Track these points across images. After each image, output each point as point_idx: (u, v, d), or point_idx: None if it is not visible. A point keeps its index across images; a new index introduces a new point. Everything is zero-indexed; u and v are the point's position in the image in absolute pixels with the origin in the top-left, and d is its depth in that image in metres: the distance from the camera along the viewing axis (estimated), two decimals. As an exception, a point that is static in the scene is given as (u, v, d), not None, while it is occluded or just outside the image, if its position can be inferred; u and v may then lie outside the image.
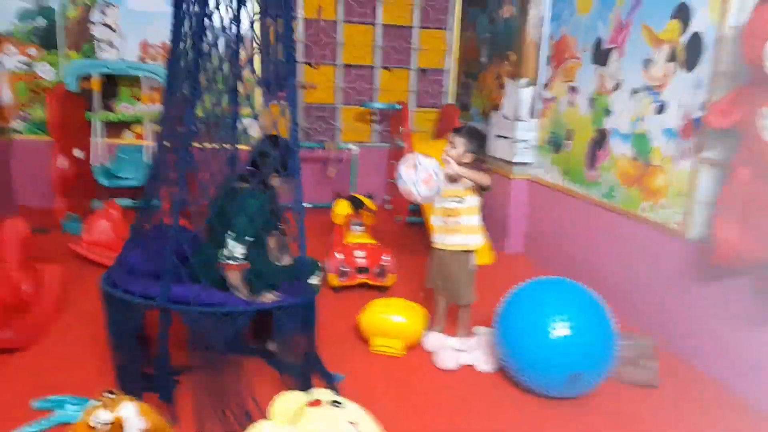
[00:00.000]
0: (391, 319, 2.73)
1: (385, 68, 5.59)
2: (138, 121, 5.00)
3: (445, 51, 5.66)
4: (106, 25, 4.91)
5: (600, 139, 3.58)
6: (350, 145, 4.96)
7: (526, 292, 2.55)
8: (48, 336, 2.75)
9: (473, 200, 2.74)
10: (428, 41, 5.63)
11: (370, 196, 3.95)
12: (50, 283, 3.03)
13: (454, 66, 5.61)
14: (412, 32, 5.58)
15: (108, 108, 4.94)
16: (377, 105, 5.29)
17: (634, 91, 3.25)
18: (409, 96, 5.69)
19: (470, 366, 2.66)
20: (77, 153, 4.47)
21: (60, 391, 2.25)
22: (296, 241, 2.35)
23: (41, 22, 4.78)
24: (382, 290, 3.45)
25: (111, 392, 1.72)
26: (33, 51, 4.83)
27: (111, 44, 4.94)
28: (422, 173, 2.54)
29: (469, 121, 5.31)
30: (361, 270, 3.39)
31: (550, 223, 4.12)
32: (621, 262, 3.34)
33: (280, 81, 2.40)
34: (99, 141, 4.73)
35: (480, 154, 2.74)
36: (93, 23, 4.89)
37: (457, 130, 2.75)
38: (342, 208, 3.76)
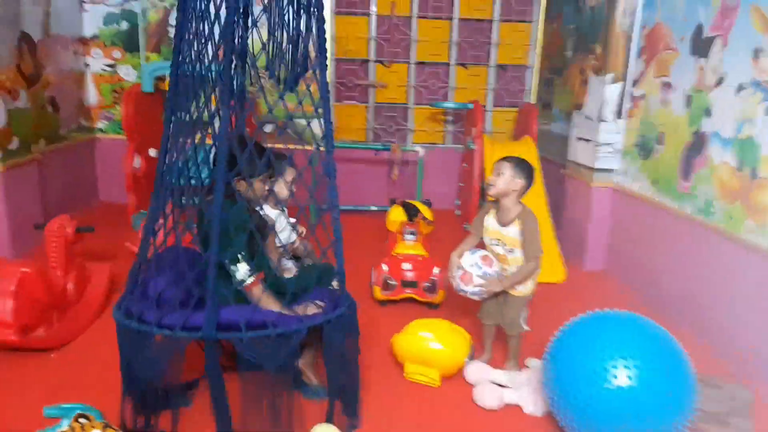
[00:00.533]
0: (428, 345, 2.43)
1: (461, 65, 5.24)
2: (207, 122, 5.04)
3: (528, 45, 5.21)
4: (183, 26, 5.00)
5: (697, 144, 3.03)
6: (416, 147, 4.68)
7: (584, 325, 2.15)
8: (85, 336, 2.76)
9: (521, 254, 2.39)
10: (509, 35, 5.21)
11: (428, 203, 3.67)
12: (97, 282, 3.06)
13: (537, 61, 5.14)
14: (492, 26, 5.18)
15: (182, 108, 5.04)
16: (447, 104, 4.97)
17: (741, 88, 2.70)
18: (486, 95, 5.31)
19: (515, 406, 2.30)
20: (152, 152, 4.57)
21: (79, 396, 2.20)
22: (330, 247, 2.12)
23: (124, 25, 4.96)
24: (431, 307, 3.15)
25: (85, 417, 1.60)
26: (117, 54, 5.02)
27: (187, 45, 5.02)
28: (458, 271, 2.40)
29: (547, 123, 4.84)
30: (408, 284, 3.11)
31: (635, 239, 3.59)
32: (718, 292, 2.80)
33: (298, 75, 2.18)
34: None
35: (528, 185, 2.40)
36: (172, 26, 5.00)
37: (506, 158, 2.43)
38: (396, 215, 3.50)
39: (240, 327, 1.79)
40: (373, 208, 4.81)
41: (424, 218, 3.46)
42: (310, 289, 2.18)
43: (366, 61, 5.18)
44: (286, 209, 2.52)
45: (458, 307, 3.15)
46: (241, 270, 1.95)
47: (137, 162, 4.35)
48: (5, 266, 2.50)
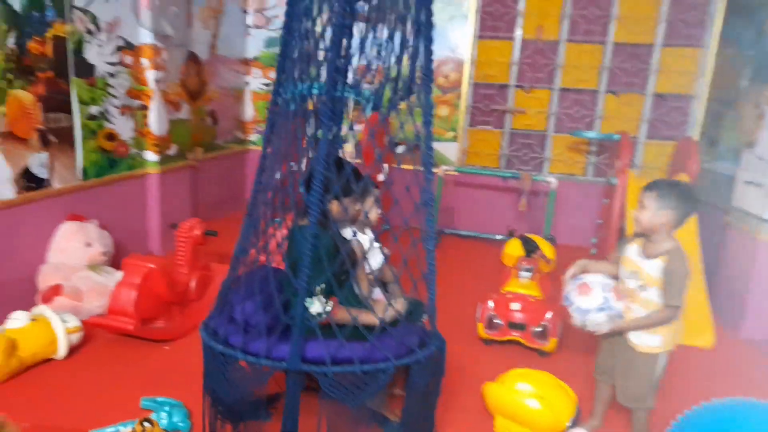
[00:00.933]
0: (525, 401, 2.19)
1: (611, 93, 4.81)
2: (344, 139, 5.22)
3: (695, 73, 4.62)
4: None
5: None
6: (549, 178, 4.36)
7: (724, 413, 1.75)
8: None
9: (656, 295, 1.99)
10: (673, 61, 4.67)
11: (551, 240, 3.37)
12: (220, 282, 3.26)
13: (704, 91, 4.53)
14: (652, 51, 4.69)
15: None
16: (590, 134, 4.57)
17: None
18: (639, 125, 4.80)
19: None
20: (293, 166, 4.83)
21: (177, 389, 2.34)
22: (423, 280, 2.01)
23: (281, 47, 5.36)
24: (540, 355, 2.86)
25: (148, 421, 1.66)
26: (273, 74, 5.43)
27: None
28: (578, 280, 2.08)
29: (710, 161, 4.22)
30: (516, 325, 2.86)
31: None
32: None
33: (401, 97, 2.11)
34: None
35: (681, 215, 1.96)
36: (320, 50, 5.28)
37: (649, 187, 2.01)
38: (513, 248, 3.26)
39: (325, 361, 1.72)
40: (498, 237, 4.57)
41: (544, 256, 3.17)
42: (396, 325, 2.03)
43: (505, 86, 4.99)
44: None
45: (572, 360, 2.83)
46: (315, 307, 1.82)
47: (278, 175, 4.60)
48: (135, 262, 2.76)
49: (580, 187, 4.82)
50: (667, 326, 2.00)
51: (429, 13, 1.94)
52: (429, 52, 2.01)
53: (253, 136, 5.58)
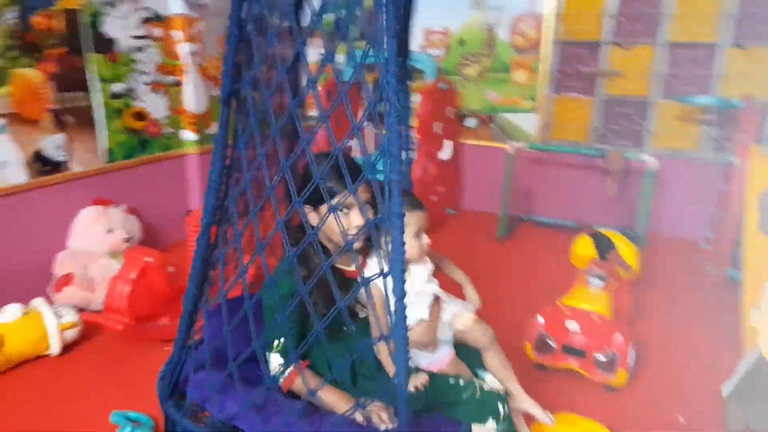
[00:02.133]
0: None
1: (737, 46, 3.80)
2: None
3: None
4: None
5: None
6: (645, 156, 3.52)
7: None
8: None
9: None
10: (827, 1, 3.57)
11: (637, 238, 2.65)
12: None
13: None
14: (798, -11, 3.62)
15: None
16: (702, 100, 3.62)
17: None
18: (775, 87, 3.77)
19: None
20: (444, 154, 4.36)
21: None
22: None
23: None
24: (608, 390, 2.22)
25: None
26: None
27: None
28: None
29: None
30: (572, 350, 2.23)
31: None
32: None
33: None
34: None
35: None
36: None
37: None
38: (583, 248, 2.61)
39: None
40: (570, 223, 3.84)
41: (621, 260, 2.49)
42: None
43: (597, 44, 4.14)
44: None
45: (649, 401, 2.17)
46: (273, 363, 1.39)
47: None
48: (135, 254, 2.51)
49: (692, 167, 3.91)
50: None
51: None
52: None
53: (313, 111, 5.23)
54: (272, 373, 1.38)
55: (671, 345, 2.55)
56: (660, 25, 3.95)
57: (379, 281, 1.14)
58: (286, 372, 1.37)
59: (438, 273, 1.57)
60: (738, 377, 2.02)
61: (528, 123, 4.38)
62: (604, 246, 2.54)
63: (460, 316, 1.55)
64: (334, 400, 1.36)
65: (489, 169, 4.48)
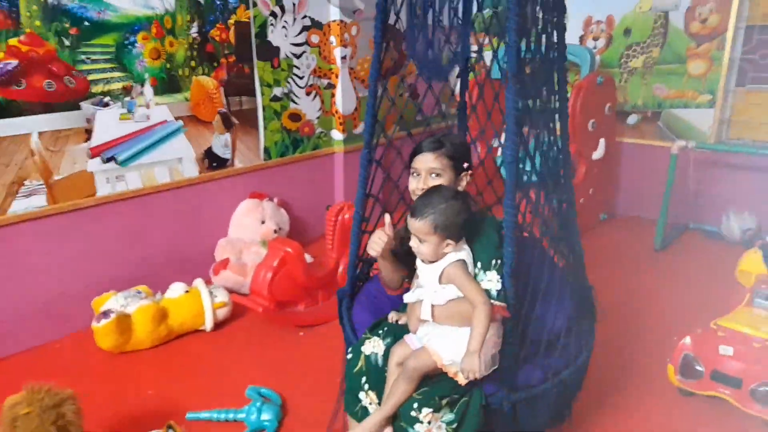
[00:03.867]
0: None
1: None
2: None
3: None
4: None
5: None
6: None
7: None
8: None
9: None
10: None
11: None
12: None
13: None
14: None
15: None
16: None
17: None
18: None
19: None
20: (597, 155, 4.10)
21: (293, 378, 2.28)
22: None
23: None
24: (769, 428, 1.88)
25: (171, 428, 1.53)
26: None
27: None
28: None
29: None
30: (725, 379, 1.92)
31: None
32: None
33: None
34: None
35: None
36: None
37: None
38: (751, 263, 2.24)
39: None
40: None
41: (799, 279, 2.08)
42: None
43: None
44: None
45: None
46: (491, 278, 1.48)
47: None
48: (277, 245, 2.74)
49: None
50: None
51: None
52: None
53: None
54: (490, 288, 1.45)
55: None
56: None
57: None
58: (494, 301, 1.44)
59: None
60: None
61: (702, 120, 3.88)
62: (777, 261, 2.16)
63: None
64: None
65: (649, 170, 4.05)
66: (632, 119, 4.18)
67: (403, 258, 1.64)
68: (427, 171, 1.58)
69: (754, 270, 2.26)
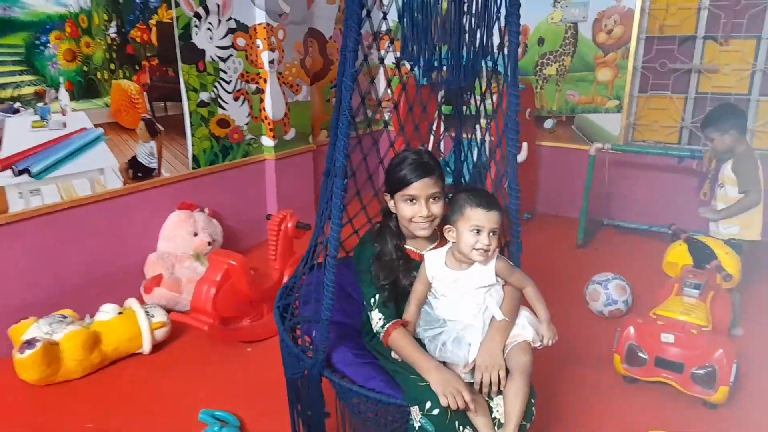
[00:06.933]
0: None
1: None
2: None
3: None
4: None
5: None
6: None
7: None
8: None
9: None
10: None
11: (736, 246, 2.45)
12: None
13: None
14: None
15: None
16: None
17: None
18: None
19: None
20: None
21: (242, 399, 2.13)
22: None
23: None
24: (707, 407, 2.06)
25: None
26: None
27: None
28: None
29: None
30: (667, 363, 2.09)
31: None
32: None
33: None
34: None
35: None
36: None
37: None
38: (676, 255, 2.44)
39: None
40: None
41: (720, 269, 2.30)
42: None
43: (690, 38, 3.89)
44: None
45: (752, 419, 2.00)
46: (374, 320, 1.49)
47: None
48: (218, 257, 2.60)
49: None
50: None
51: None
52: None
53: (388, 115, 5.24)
54: (375, 328, 1.48)
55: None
56: (763, 18, 3.65)
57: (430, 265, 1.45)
58: (385, 327, 1.45)
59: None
60: None
61: (611, 123, 4.19)
62: (701, 254, 2.37)
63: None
64: (417, 358, 1.37)
65: (566, 171, 4.31)
66: (549, 124, 4.43)
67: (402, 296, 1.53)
68: (428, 196, 1.47)
69: (680, 261, 2.47)
